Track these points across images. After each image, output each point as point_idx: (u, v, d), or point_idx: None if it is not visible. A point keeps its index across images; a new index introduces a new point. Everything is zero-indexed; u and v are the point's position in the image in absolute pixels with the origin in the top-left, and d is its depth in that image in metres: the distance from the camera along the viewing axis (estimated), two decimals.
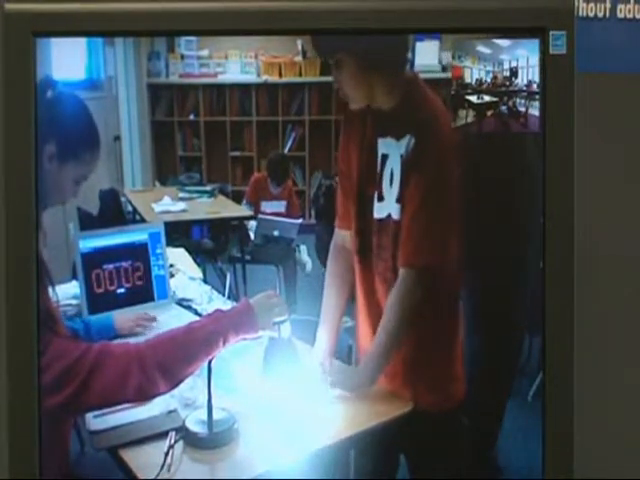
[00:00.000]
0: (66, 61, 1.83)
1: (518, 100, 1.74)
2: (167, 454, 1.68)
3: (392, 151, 1.83)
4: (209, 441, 1.73)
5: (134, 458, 1.69)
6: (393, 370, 1.91)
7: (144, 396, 1.66)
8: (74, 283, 2.06)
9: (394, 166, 1.82)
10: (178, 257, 2.35)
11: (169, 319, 2.12)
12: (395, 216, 1.83)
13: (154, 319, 2.08)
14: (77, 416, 1.71)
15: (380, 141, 1.85)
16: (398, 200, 1.82)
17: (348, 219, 1.94)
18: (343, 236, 1.97)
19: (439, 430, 1.89)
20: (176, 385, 1.65)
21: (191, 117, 2.80)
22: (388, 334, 1.85)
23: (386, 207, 1.85)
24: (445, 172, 1.82)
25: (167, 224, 2.25)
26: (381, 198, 1.85)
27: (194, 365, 1.66)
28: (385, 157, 1.84)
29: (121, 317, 2.04)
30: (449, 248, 1.86)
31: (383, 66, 1.80)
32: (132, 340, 1.90)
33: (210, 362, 1.69)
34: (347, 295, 1.98)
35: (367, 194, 1.88)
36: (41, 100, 1.57)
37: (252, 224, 2.66)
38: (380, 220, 1.86)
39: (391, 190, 1.83)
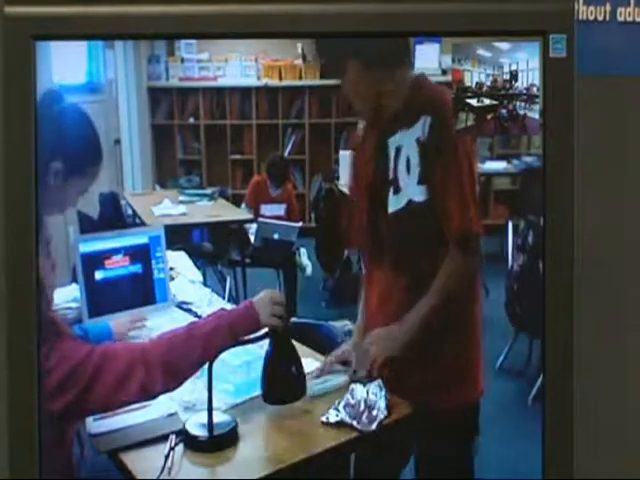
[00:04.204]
0: (66, 65, 1.84)
1: (518, 103, 1.74)
2: (167, 457, 1.68)
3: (406, 140, 1.85)
4: (209, 444, 1.73)
5: (134, 461, 1.69)
6: (406, 370, 1.91)
7: (148, 394, 1.66)
8: (74, 286, 2.06)
9: (410, 152, 1.84)
10: (178, 260, 2.35)
11: (169, 322, 2.12)
12: (417, 198, 1.84)
13: (145, 318, 2.09)
14: (82, 418, 1.71)
15: (390, 140, 1.87)
16: (420, 182, 1.83)
17: (359, 237, 1.97)
18: None
19: (452, 429, 1.89)
20: (181, 383, 1.66)
21: (191, 120, 2.80)
22: (435, 301, 1.85)
23: (404, 195, 1.85)
24: (466, 143, 1.83)
25: (167, 227, 2.25)
26: (397, 190, 1.86)
27: (197, 363, 1.67)
28: (399, 149, 1.86)
29: (117, 322, 2.04)
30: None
31: (387, 67, 1.83)
32: (135, 341, 1.91)
33: (211, 365, 1.69)
34: None
35: (379, 201, 1.89)
36: (45, 115, 1.56)
37: (252, 227, 2.66)
38: (396, 213, 1.87)
39: (409, 176, 1.84)
